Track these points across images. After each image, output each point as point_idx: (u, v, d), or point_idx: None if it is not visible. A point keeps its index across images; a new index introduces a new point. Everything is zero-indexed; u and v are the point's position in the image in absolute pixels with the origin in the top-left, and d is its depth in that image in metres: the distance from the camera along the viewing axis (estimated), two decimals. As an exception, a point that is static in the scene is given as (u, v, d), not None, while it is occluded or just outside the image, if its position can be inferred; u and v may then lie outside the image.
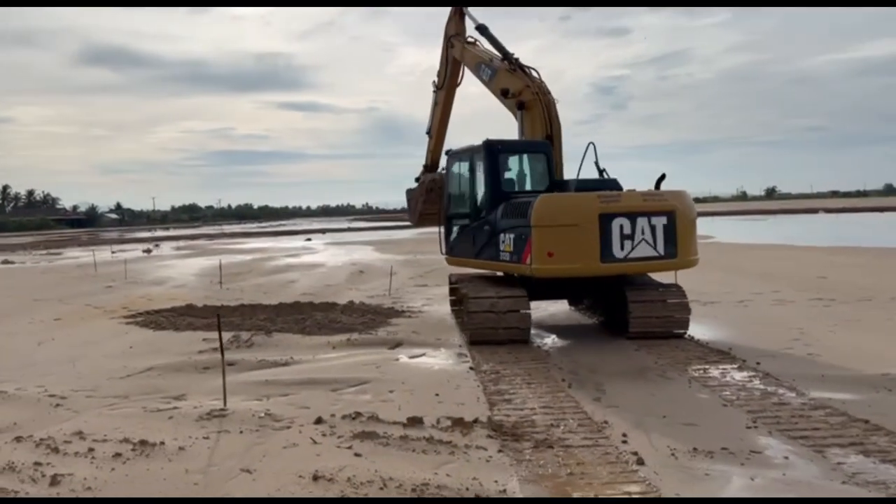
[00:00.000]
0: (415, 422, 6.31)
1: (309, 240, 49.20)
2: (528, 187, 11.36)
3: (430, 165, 14.81)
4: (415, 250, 33.50)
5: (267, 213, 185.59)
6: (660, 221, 9.70)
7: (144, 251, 39.49)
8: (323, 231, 64.89)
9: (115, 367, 9.34)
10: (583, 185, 10.21)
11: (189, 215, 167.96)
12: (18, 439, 6.24)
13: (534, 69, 11.79)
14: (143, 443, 5.94)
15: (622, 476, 5.02)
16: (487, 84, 12.44)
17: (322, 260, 29.10)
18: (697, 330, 10.33)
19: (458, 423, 6.18)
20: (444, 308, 13.92)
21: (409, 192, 14.84)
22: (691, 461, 5.29)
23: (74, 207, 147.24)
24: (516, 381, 7.89)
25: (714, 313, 12.08)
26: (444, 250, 12.57)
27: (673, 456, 5.38)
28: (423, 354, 9.66)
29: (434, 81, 14.47)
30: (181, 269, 26.14)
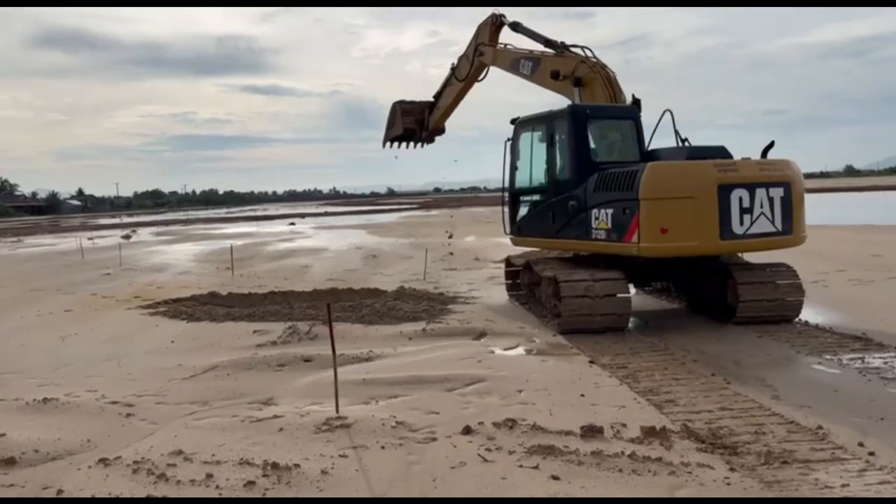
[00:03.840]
0: (593, 431, 5.21)
1: (293, 224, 47.61)
2: (615, 157, 10.18)
3: (430, 129, 15.28)
4: (413, 234, 32.32)
5: (233, 199, 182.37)
6: (777, 193, 8.78)
7: (124, 237, 37.61)
8: (302, 216, 63.17)
9: (168, 365, 8.07)
10: (695, 153, 9.18)
11: (153, 201, 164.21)
12: (104, 462, 4.99)
13: (586, 48, 11.08)
14: (273, 466, 4.75)
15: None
16: (530, 77, 11.71)
17: (322, 244, 27.71)
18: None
19: (651, 433, 5.09)
20: (495, 292, 12.85)
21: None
22: (978, 478, 4.29)
23: (34, 194, 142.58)
24: (657, 377, 6.84)
25: (799, 295, 11.12)
26: (508, 230, 11.51)
27: (951, 471, 4.37)
28: (518, 346, 8.57)
29: (453, 66, 14.19)
30: (175, 256, 24.61)
